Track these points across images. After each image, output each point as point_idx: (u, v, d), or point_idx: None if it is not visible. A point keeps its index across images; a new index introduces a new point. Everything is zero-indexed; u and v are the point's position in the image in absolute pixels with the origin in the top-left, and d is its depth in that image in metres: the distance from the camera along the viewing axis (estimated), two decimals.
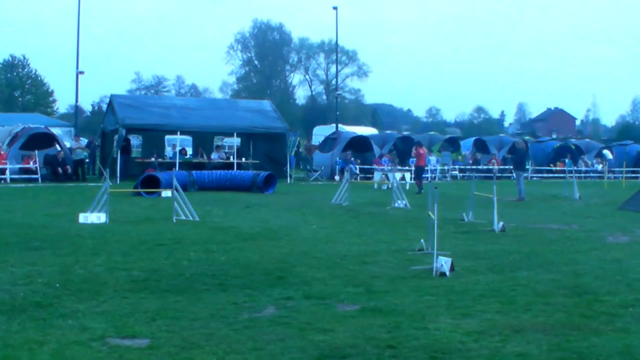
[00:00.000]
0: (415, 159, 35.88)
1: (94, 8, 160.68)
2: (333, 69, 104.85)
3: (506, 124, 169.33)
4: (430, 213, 13.62)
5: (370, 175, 41.84)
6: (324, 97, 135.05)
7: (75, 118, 61.59)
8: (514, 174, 31.96)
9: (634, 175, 49.84)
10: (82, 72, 54.94)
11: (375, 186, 36.44)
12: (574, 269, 12.85)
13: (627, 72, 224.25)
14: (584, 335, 8.38)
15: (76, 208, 20.50)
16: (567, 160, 52.99)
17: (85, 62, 60.74)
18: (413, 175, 36.67)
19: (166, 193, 24.51)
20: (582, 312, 9.49)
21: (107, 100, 49.15)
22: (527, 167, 43.17)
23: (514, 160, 31.58)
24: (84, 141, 42.85)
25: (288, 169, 40.27)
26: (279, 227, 18.56)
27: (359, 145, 46.82)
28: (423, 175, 35.40)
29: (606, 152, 53.51)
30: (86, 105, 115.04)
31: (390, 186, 28.94)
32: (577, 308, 9.74)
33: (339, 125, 63.47)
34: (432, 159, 46.20)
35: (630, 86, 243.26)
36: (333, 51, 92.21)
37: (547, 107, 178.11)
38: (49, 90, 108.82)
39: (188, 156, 43.41)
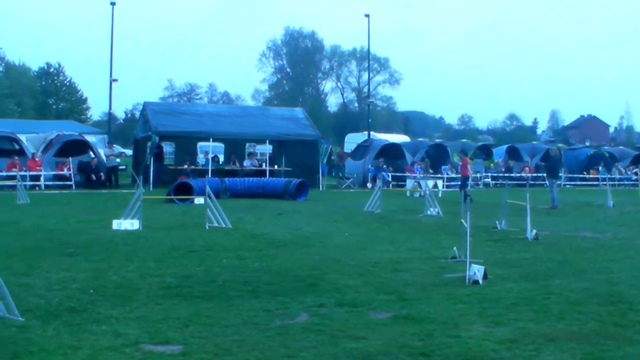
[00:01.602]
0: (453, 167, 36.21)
1: (127, 16, 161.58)
2: (365, 76, 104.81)
3: (539, 131, 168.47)
4: (462, 221, 13.57)
5: (402, 183, 41.79)
6: (356, 104, 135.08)
7: (109, 125, 62.02)
8: (547, 182, 31.77)
9: None
10: (115, 80, 55.33)
11: (408, 194, 36.39)
12: (607, 278, 12.75)
13: None
14: (618, 345, 8.31)
15: (109, 214, 20.63)
16: (600, 168, 52.60)
17: (119, 69, 61.12)
18: (460, 185, 36.72)
19: (199, 200, 24.59)
20: (616, 321, 9.41)
21: (140, 107, 49.50)
22: (560, 174, 42.89)
23: (547, 168, 31.41)
24: (117, 148, 43.10)
25: (320, 177, 40.29)
26: (311, 234, 18.56)
27: (391, 153, 46.79)
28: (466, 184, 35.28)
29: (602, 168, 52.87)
30: (119, 113, 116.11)
31: (422, 194, 28.87)
32: (611, 317, 9.66)
33: (371, 132, 63.47)
34: (469, 167, 46.07)
35: None
36: (365, 58, 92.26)
37: (580, 115, 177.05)
38: (83, 98, 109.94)
39: (220, 163, 43.54)
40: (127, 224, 18.86)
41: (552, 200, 28.60)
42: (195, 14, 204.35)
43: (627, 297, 10.98)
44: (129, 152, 47.55)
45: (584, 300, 10.73)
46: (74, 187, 36.16)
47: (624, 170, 54.35)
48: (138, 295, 10.64)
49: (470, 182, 43.51)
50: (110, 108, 60.10)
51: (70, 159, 37.57)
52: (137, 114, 65.32)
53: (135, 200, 19.20)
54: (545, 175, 33.03)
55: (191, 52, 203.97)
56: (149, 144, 37.25)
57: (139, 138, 41.77)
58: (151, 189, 34.35)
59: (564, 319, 9.54)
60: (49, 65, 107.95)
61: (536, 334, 8.70)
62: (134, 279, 11.97)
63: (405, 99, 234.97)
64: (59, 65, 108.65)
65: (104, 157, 39.45)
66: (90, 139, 44.11)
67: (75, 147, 38.83)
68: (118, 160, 40.97)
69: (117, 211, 20.73)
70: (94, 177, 37.17)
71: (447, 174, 44.39)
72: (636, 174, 52.63)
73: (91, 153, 38.81)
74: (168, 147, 52.06)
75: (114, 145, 43.63)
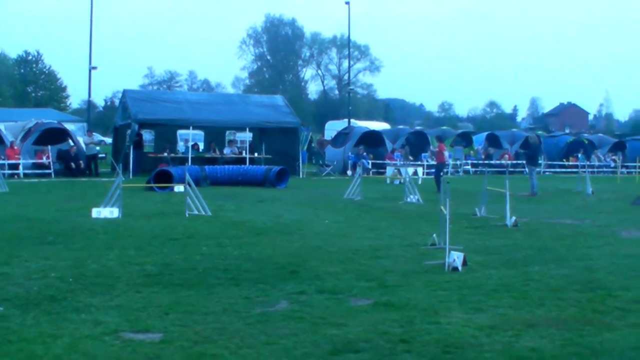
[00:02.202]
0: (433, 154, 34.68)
1: (106, 3, 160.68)
2: (345, 63, 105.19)
3: (519, 118, 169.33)
4: (442, 208, 13.60)
5: (382, 170, 41.84)
6: (336, 92, 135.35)
7: (88, 113, 61.59)
8: (527, 169, 31.82)
9: None
10: (95, 68, 54.95)
11: (388, 181, 36.43)
12: (587, 264, 12.82)
13: None
14: (597, 331, 8.36)
15: (89, 203, 20.56)
16: (579, 155, 52.84)
17: (98, 57, 60.69)
18: (435, 172, 33.37)
19: (179, 188, 24.55)
20: (595, 307, 9.47)
21: (120, 95, 49.29)
22: (540, 162, 43.02)
23: (526, 155, 31.45)
24: (97, 136, 42.92)
25: (300, 164, 40.28)
26: (292, 222, 18.57)
27: (371, 140, 46.80)
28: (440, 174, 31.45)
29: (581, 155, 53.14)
30: (99, 101, 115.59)
31: (402, 181, 28.92)
32: (590, 303, 9.71)
33: (351, 120, 63.50)
34: (445, 153, 46.20)
35: None
36: (345, 46, 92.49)
37: (560, 102, 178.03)
38: (62, 86, 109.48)
39: (200, 151, 43.45)
40: (107, 212, 18.80)
41: (532, 188, 28.69)
42: (175, 1, 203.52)
43: (605, 284, 11.03)
44: (109, 140, 47.40)
45: (563, 287, 10.78)
46: (53, 175, 35.99)
47: (603, 158, 54.62)
48: (118, 283, 10.61)
49: (449, 169, 43.57)
50: (89, 96, 59.65)
51: (50, 147, 37.37)
52: (117, 101, 64.99)
53: (114, 188, 19.14)
54: (524, 162, 32.91)
55: (171, 39, 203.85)
56: (129, 131, 37.14)
57: (119, 126, 41.65)
58: (131, 177, 34.19)
59: (543, 305, 9.58)
60: (27, 53, 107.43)
61: (515, 320, 8.74)
62: (114, 267, 11.93)
63: (385, 87, 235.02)
64: (38, 53, 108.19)
65: (83, 145, 39.26)
66: (70, 127, 43.90)
67: (54, 135, 38.62)
68: (98, 148, 40.73)
69: (96, 199, 20.66)
70: (73, 165, 36.99)
71: (427, 161, 44.43)
72: (615, 161, 52.93)
73: (70, 141, 38.63)
74: (148, 135, 51.89)
75: (94, 133, 43.37)
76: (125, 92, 41.60)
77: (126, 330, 8.15)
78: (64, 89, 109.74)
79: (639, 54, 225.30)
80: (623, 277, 11.59)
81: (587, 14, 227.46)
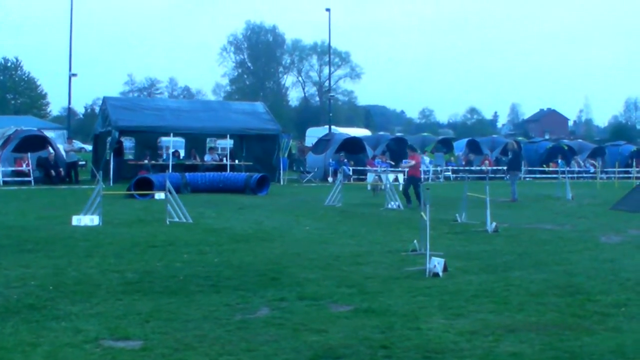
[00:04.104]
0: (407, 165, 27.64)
1: (87, 10, 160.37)
2: (326, 70, 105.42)
3: (499, 124, 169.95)
4: (422, 214, 13.63)
5: (363, 177, 41.84)
6: (317, 98, 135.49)
7: (68, 120, 61.45)
8: (508, 176, 31.78)
9: (626, 175, 49.94)
10: (75, 75, 54.88)
11: (369, 187, 36.46)
12: (566, 269, 12.89)
13: (620, 73, 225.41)
14: (577, 335, 8.41)
15: (69, 210, 20.49)
16: (559, 161, 53.04)
17: (78, 64, 60.85)
18: (404, 185, 27.35)
19: (159, 195, 24.50)
20: (575, 312, 9.53)
21: (100, 102, 49.12)
22: (521, 168, 43.15)
23: (508, 162, 31.39)
24: (77, 144, 42.75)
25: (280, 171, 40.26)
26: (272, 229, 18.56)
27: (352, 147, 46.83)
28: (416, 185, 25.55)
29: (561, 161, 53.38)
30: (79, 108, 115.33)
31: (383, 187, 28.94)
32: (569, 308, 9.77)
33: (332, 126, 63.67)
34: (426, 159, 46.32)
35: (623, 87, 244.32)
36: (326, 53, 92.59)
37: (540, 108, 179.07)
38: (42, 93, 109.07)
39: (181, 158, 43.35)
40: (87, 219, 18.74)
41: (512, 194, 28.78)
42: (155, 7, 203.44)
43: (585, 288, 11.11)
44: (89, 147, 47.31)
45: (543, 292, 10.84)
46: (32, 183, 35.76)
47: (582, 163, 54.84)
48: (98, 291, 10.59)
49: (429, 175, 43.55)
50: (69, 103, 59.63)
51: (29, 154, 37.15)
52: (97, 109, 64.92)
53: (95, 195, 19.09)
54: (506, 169, 32.64)
55: (152, 46, 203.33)
56: (109, 139, 37.00)
57: (99, 133, 41.49)
58: (111, 184, 34.07)
59: (523, 310, 9.63)
60: (6, 60, 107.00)
61: (496, 325, 8.78)
62: (94, 275, 11.90)
63: (366, 93, 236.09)
64: (17, 60, 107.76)
65: (63, 153, 39.09)
66: (50, 134, 43.70)
67: (34, 142, 38.35)
68: (78, 155, 40.57)
69: (76, 207, 20.59)
70: (53, 172, 36.78)
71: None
72: (594, 166, 53.15)
73: (50, 148, 38.44)
74: (128, 142, 51.73)
75: (74, 141, 43.22)
76: (105, 99, 41.43)
77: (106, 338, 8.13)
78: (44, 96, 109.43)
79: (618, 60, 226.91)
80: (602, 282, 11.67)
81: (567, 20, 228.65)
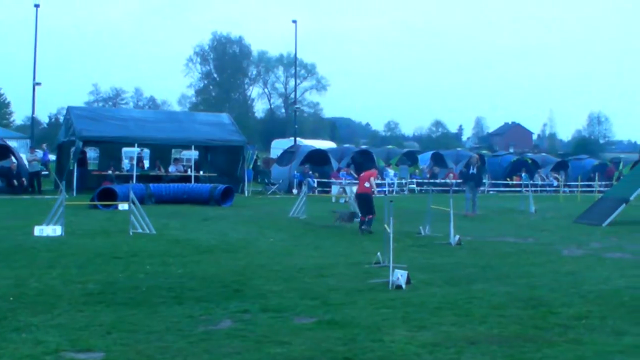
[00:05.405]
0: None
1: (52, 18, 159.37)
2: (292, 82, 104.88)
3: (464, 138, 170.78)
4: (386, 226, 13.67)
5: (328, 189, 41.89)
6: (283, 110, 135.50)
7: (32, 130, 61.02)
8: (467, 189, 31.53)
9: (589, 189, 50.34)
10: (39, 84, 54.57)
11: (333, 199, 36.47)
12: (529, 282, 12.97)
13: (584, 87, 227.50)
14: (538, 347, 8.47)
15: (31, 220, 20.31)
16: (523, 174, 53.39)
17: (43, 73, 60.42)
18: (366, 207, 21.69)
19: (123, 206, 24.35)
20: (536, 324, 9.59)
21: (64, 112, 48.83)
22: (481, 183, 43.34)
23: (470, 176, 31.32)
24: (39, 153, 42.41)
25: (245, 182, 40.20)
26: (236, 240, 18.53)
27: (317, 159, 46.88)
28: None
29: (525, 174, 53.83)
30: (43, 117, 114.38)
31: (347, 200, 28.98)
32: (531, 320, 9.83)
33: (298, 138, 63.57)
34: (390, 172, 46.49)
35: (586, 102, 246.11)
36: (292, 64, 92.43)
37: (505, 122, 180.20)
38: (6, 102, 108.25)
39: (145, 169, 43.15)
40: (50, 230, 18.61)
41: (474, 207, 28.84)
42: (121, 17, 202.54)
43: (547, 301, 11.19)
44: (53, 157, 47.05)
45: (505, 304, 10.90)
46: None
47: (545, 177, 55.22)
48: (60, 302, 10.51)
49: (394, 187, 43.54)
50: (33, 112, 59.22)
51: None
52: (62, 118, 64.44)
53: (58, 206, 18.97)
54: (471, 183, 32.36)
55: (117, 56, 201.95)
56: (73, 148, 36.76)
57: (62, 143, 41.20)
58: (74, 194, 33.84)
59: (485, 322, 9.68)
60: None
61: (458, 338, 8.81)
62: (56, 285, 11.82)
63: (332, 105, 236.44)
64: None
65: (26, 162, 38.79)
66: (13, 143, 43.36)
67: None
68: (41, 165, 40.21)
69: (39, 217, 20.42)
70: (15, 182, 36.49)
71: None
72: (557, 180, 53.56)
73: (12, 158, 38.13)
74: (92, 153, 51.43)
75: (36, 150, 42.87)
76: (69, 109, 41.15)
77: (67, 349, 8.07)
78: (7, 105, 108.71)
79: (582, 75, 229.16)
80: (564, 294, 11.76)
81: (532, 35, 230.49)
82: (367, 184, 21.56)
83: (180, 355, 7.92)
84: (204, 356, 7.89)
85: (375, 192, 22.70)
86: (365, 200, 21.66)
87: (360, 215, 22.08)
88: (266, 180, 45.52)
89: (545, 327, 9.48)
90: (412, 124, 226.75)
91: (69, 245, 16.79)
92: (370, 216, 21.14)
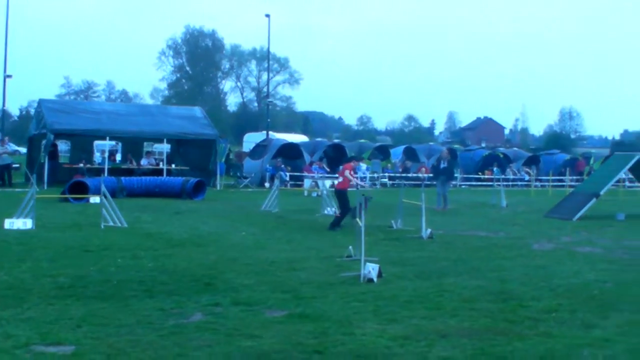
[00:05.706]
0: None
1: (23, 10, 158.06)
2: (264, 76, 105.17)
3: (436, 132, 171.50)
4: (357, 220, 13.68)
5: (300, 183, 41.94)
6: (255, 104, 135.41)
7: (2, 122, 60.64)
8: (438, 183, 31.62)
9: (560, 183, 50.70)
10: (9, 76, 54.24)
11: (305, 193, 36.52)
12: (499, 275, 13.03)
13: (555, 82, 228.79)
14: (508, 340, 8.51)
15: (2, 213, 20.14)
16: (495, 169, 53.70)
17: (14, 65, 60.04)
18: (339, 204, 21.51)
19: (94, 199, 24.29)
20: (507, 317, 9.64)
21: (36, 104, 48.55)
22: (455, 175, 43.51)
23: (441, 170, 31.36)
24: (11, 146, 42.15)
25: (217, 176, 40.15)
26: (208, 234, 18.50)
27: (290, 153, 46.94)
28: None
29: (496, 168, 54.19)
30: (14, 110, 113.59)
31: (319, 193, 29.02)
32: (502, 313, 9.88)
33: (270, 132, 63.59)
34: (363, 166, 46.58)
35: (558, 97, 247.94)
36: (265, 58, 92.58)
37: (477, 117, 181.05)
38: None
39: (117, 162, 42.97)
40: (20, 223, 18.50)
41: (445, 201, 28.94)
42: (93, 9, 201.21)
43: (517, 294, 11.24)
44: (24, 150, 46.78)
45: (476, 298, 10.94)
46: None
47: (517, 171, 55.58)
48: (30, 296, 10.44)
49: (367, 182, 43.59)
50: (3, 105, 58.84)
51: None
52: (32, 111, 64.10)
53: (28, 199, 18.85)
54: (442, 178, 32.41)
55: (89, 48, 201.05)
56: (44, 142, 36.55)
57: (33, 135, 40.96)
58: (45, 187, 33.67)
59: (456, 315, 9.71)
60: None
61: (429, 331, 8.84)
62: (26, 279, 11.74)
63: (304, 99, 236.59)
64: None
65: None
66: None
67: None
68: (11, 158, 39.95)
69: (9, 210, 20.26)
70: None
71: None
72: (529, 174, 53.92)
73: None
74: (64, 146, 51.16)
75: (7, 143, 42.56)
76: (40, 102, 40.93)
77: (37, 343, 8.02)
78: None
79: (554, 70, 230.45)
80: (534, 288, 11.82)
81: (504, 30, 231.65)
82: (340, 179, 21.32)
83: (150, 348, 7.89)
84: (174, 349, 7.87)
85: (354, 183, 22.27)
86: (338, 196, 21.31)
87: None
88: (238, 174, 45.55)
89: (515, 320, 9.52)
90: (385, 118, 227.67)
91: (40, 238, 16.70)
92: (340, 214, 20.89)
